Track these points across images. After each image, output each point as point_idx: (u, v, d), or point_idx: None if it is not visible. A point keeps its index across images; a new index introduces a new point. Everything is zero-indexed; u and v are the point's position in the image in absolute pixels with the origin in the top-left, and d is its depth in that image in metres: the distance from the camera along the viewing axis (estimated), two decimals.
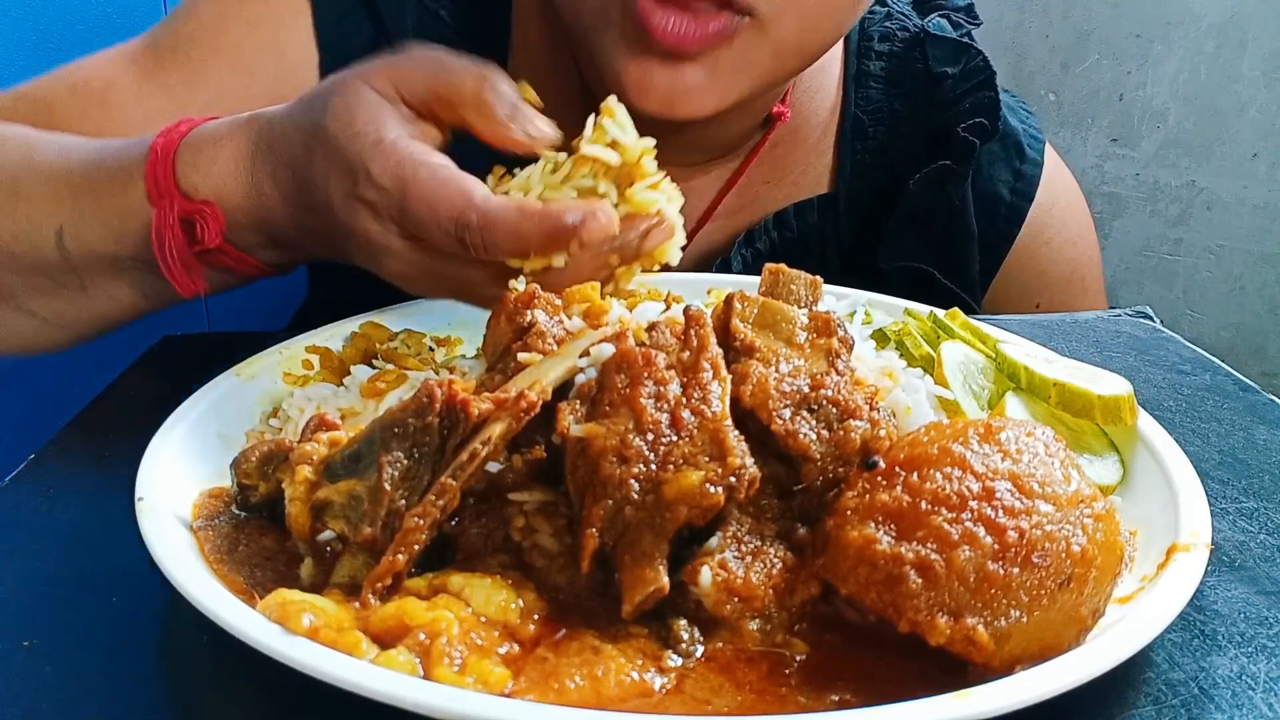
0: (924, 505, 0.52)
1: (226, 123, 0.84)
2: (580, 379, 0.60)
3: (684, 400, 0.56)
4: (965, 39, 1.18)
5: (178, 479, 0.64)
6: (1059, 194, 1.23)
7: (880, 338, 0.83)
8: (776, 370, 0.60)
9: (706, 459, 0.54)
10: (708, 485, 0.53)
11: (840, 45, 1.17)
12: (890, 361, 0.74)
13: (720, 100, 0.93)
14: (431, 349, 0.88)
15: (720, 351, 0.60)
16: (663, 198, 0.76)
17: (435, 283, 0.79)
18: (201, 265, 0.83)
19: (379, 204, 0.74)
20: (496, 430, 0.56)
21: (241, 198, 0.81)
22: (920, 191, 1.12)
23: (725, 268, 1.11)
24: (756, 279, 0.73)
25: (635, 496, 0.53)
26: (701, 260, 1.15)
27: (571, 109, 1.03)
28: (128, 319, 0.93)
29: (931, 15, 1.20)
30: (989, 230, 1.19)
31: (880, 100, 1.17)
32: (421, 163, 0.73)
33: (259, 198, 0.81)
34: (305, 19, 1.08)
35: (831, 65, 1.17)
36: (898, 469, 0.54)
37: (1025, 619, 0.50)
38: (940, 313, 0.85)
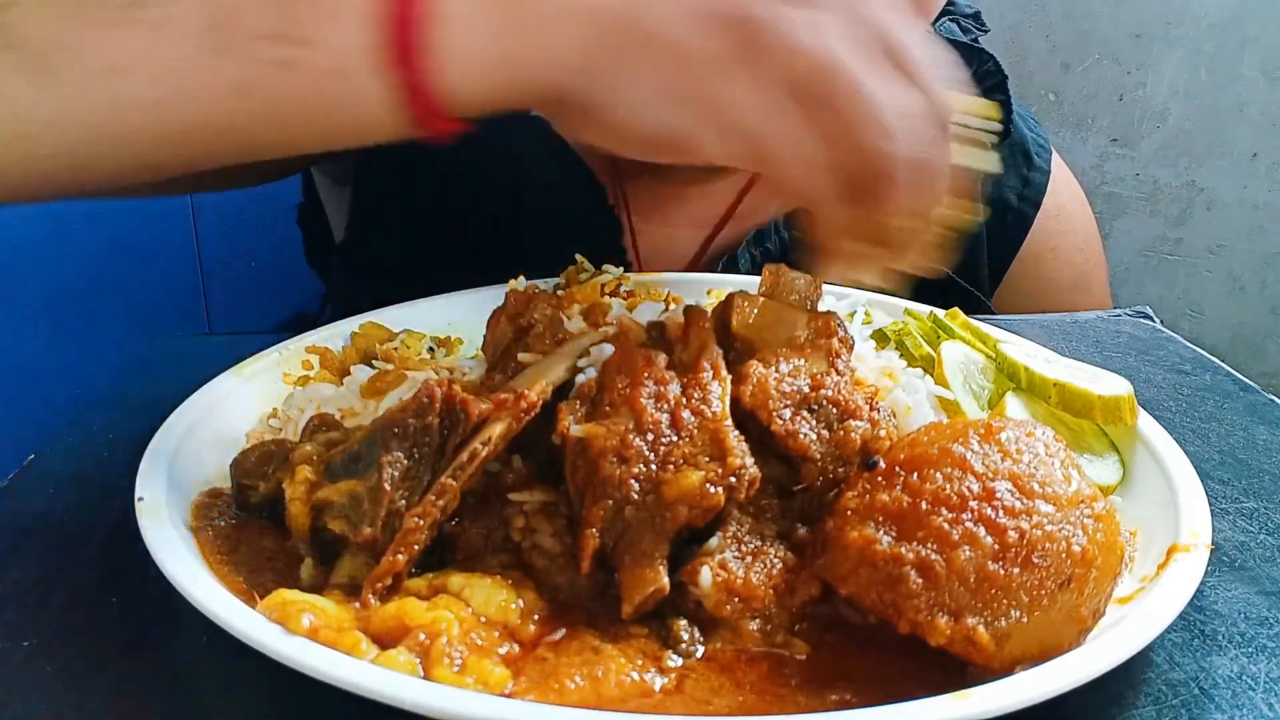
0: (924, 506, 0.52)
1: None
2: (580, 379, 0.60)
3: (684, 400, 0.56)
4: (974, 44, 1.17)
5: (178, 479, 0.64)
6: (1065, 201, 1.23)
7: (880, 338, 0.83)
8: (776, 370, 0.60)
9: (706, 459, 0.54)
10: (708, 485, 0.53)
11: None
12: (890, 361, 0.74)
13: None
14: (431, 349, 0.88)
15: (720, 351, 0.60)
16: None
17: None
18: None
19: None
20: (496, 430, 0.56)
21: None
22: None
23: (732, 264, 1.11)
24: (756, 279, 0.73)
25: (635, 496, 0.53)
26: (711, 263, 1.15)
27: None
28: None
29: (941, 19, 1.19)
30: (996, 237, 1.19)
31: None
32: None
33: None
34: None
35: None
36: (898, 469, 0.54)
37: (1025, 619, 0.50)
38: (940, 312, 0.85)
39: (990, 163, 0.61)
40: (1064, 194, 1.23)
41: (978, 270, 1.18)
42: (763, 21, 0.52)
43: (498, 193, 1.09)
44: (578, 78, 0.53)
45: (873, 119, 0.53)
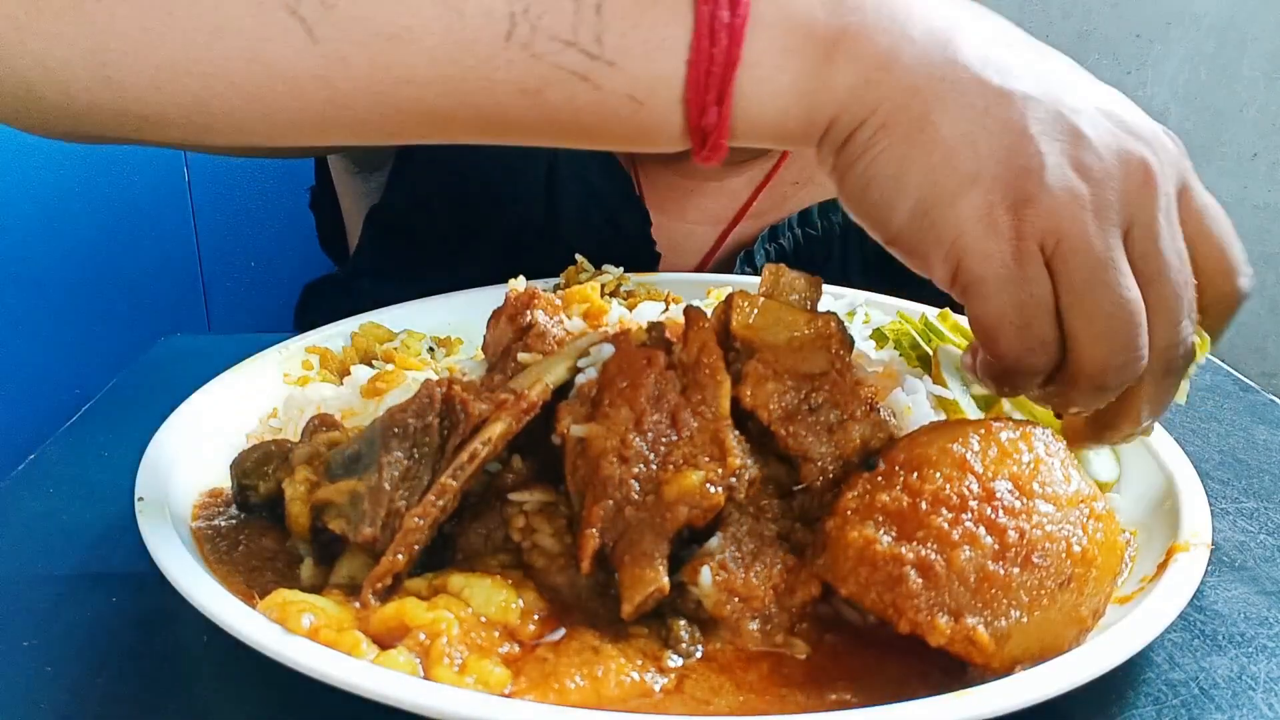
0: (924, 505, 0.52)
1: None
2: (580, 379, 0.60)
3: (684, 400, 0.56)
4: None
5: (178, 479, 0.64)
6: None
7: (880, 337, 0.83)
8: (776, 370, 0.60)
9: (706, 459, 0.54)
10: (708, 485, 0.53)
11: None
12: (890, 361, 0.74)
13: None
14: (431, 349, 0.88)
15: (720, 351, 0.60)
16: None
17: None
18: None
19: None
20: (496, 430, 0.56)
21: None
22: None
23: (749, 261, 1.11)
24: (756, 279, 0.73)
25: (635, 496, 0.53)
26: (727, 258, 1.15)
27: None
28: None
29: None
30: None
31: None
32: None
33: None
34: None
35: None
36: (898, 469, 0.54)
37: (1025, 619, 0.50)
38: (932, 314, 0.85)
39: (1181, 393, 0.57)
40: None
41: None
42: (1049, 186, 0.49)
43: (531, 179, 1.09)
44: (846, 131, 0.52)
45: (1112, 332, 0.51)
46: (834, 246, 1.15)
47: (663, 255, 1.09)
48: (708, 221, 1.15)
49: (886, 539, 0.51)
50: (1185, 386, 0.57)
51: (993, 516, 0.51)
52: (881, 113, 0.51)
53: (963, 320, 0.84)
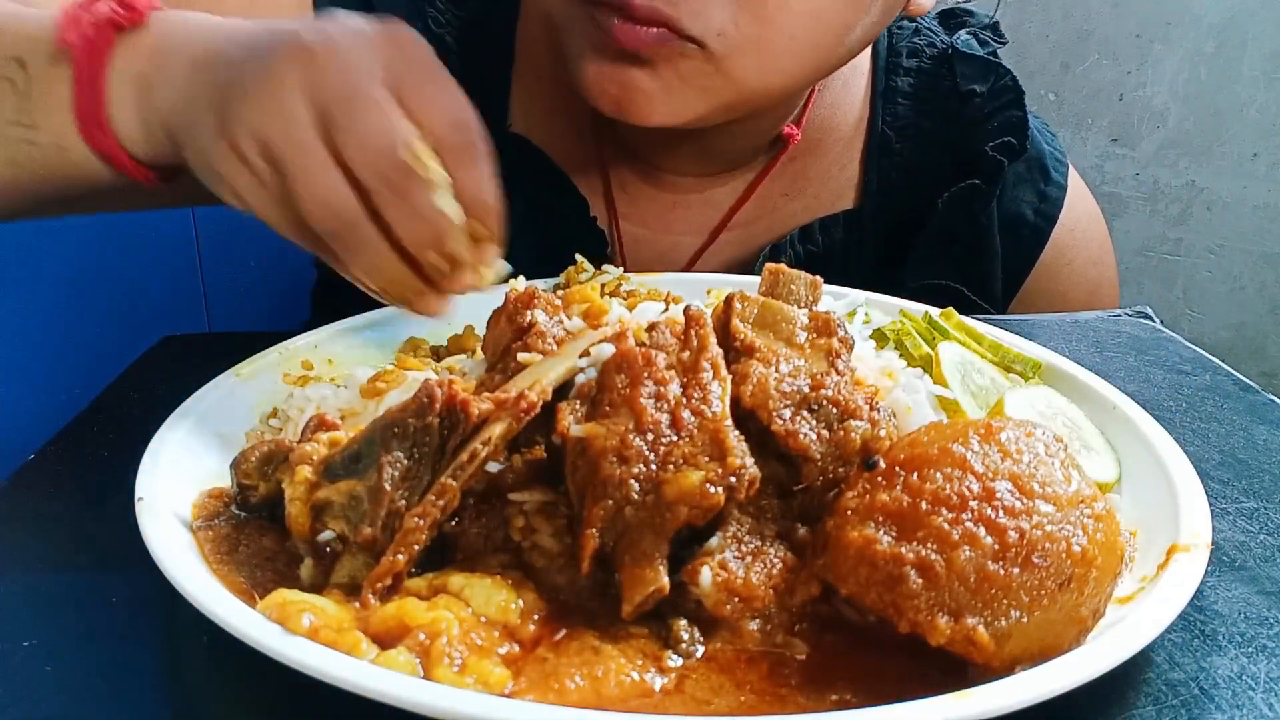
0: (924, 505, 0.52)
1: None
2: (580, 379, 0.60)
3: (684, 400, 0.56)
4: (992, 56, 1.17)
5: (178, 479, 0.64)
6: (1081, 215, 1.22)
7: (880, 338, 0.83)
8: (776, 370, 0.60)
9: (706, 459, 0.54)
10: (708, 485, 0.53)
11: (868, 59, 1.17)
12: (890, 361, 0.74)
13: (672, 114, 0.91)
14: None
15: (720, 351, 0.60)
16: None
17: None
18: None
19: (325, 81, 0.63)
20: (496, 430, 0.56)
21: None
22: (947, 211, 1.12)
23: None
24: (756, 279, 0.73)
25: (635, 496, 0.53)
26: (722, 269, 1.15)
27: (575, 142, 1.07)
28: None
29: (959, 32, 1.19)
30: (1012, 251, 1.18)
31: (908, 117, 1.17)
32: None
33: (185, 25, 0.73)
34: (306, 7, 1.04)
35: (857, 80, 1.17)
36: (898, 469, 0.54)
37: (1025, 619, 0.50)
38: (935, 312, 0.85)
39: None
40: (1079, 208, 1.22)
41: (991, 285, 1.18)
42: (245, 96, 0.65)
43: None
44: (177, 124, 0.70)
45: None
46: (835, 263, 1.14)
47: (645, 268, 1.09)
48: (692, 232, 1.15)
49: (887, 539, 0.51)
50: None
51: (993, 516, 0.51)
52: (189, 99, 0.69)
53: (969, 320, 0.84)
